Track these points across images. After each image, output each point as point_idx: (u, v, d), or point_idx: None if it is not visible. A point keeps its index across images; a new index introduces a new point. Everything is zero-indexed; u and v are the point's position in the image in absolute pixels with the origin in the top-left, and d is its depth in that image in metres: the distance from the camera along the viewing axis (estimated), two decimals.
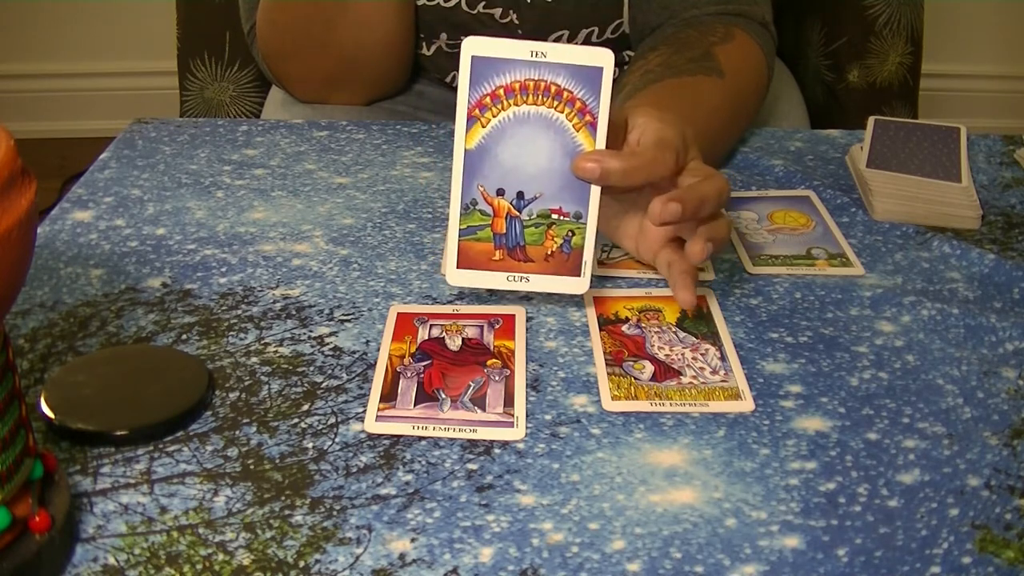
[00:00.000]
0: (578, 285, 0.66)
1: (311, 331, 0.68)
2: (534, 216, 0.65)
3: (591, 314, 0.69)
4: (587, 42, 1.00)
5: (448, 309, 0.70)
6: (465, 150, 0.64)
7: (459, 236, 0.65)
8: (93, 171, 0.89)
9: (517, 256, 0.66)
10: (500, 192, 0.65)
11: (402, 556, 0.51)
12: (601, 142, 0.64)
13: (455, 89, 1.07)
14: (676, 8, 0.93)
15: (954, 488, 0.55)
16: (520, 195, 0.65)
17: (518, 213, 0.65)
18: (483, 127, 0.64)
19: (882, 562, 0.51)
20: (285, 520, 0.53)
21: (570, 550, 0.51)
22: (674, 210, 0.62)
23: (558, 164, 0.64)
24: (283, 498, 0.54)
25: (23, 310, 0.70)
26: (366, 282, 0.73)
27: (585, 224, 0.65)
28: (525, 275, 0.66)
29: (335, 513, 0.53)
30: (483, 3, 0.97)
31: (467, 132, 0.64)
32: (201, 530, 0.52)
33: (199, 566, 0.50)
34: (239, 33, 1.09)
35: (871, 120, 0.93)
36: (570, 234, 0.65)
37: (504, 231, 0.65)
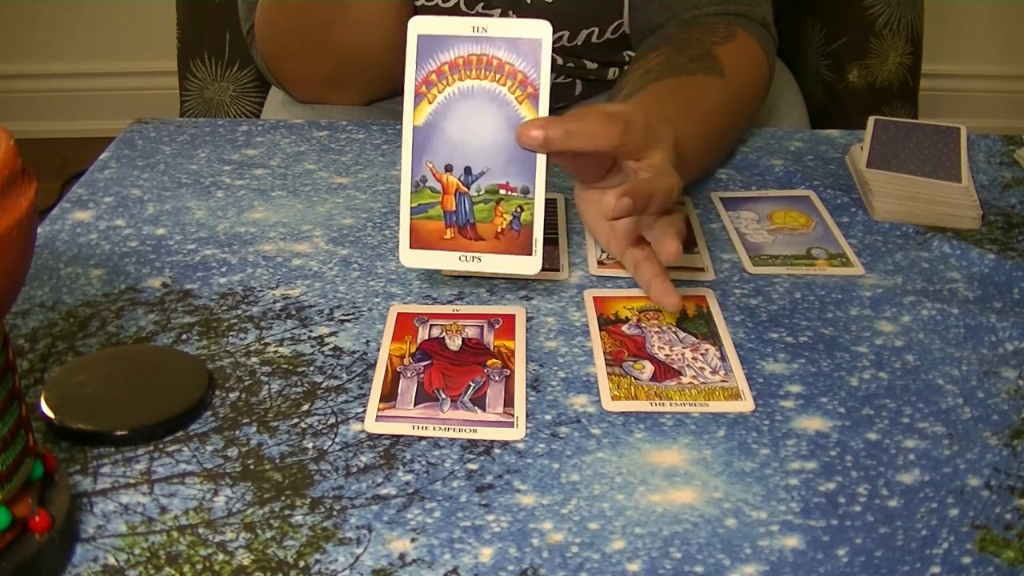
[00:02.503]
0: (530, 264, 0.66)
1: (311, 331, 0.68)
2: (482, 192, 0.65)
3: (591, 314, 0.69)
4: (587, 42, 1.00)
5: (448, 309, 0.70)
6: (413, 127, 0.64)
7: (410, 215, 0.65)
8: (93, 171, 0.89)
9: (468, 234, 0.65)
10: (448, 168, 0.65)
11: (402, 556, 0.51)
12: (543, 113, 0.64)
13: None
14: (676, 8, 0.93)
15: (954, 488, 0.55)
16: (468, 170, 0.65)
17: (467, 189, 0.65)
18: (430, 103, 0.64)
19: (882, 562, 0.51)
20: (285, 520, 0.53)
21: (570, 550, 0.51)
22: (626, 204, 0.63)
23: (503, 138, 0.64)
24: (283, 498, 0.54)
25: (23, 310, 0.70)
26: (366, 282, 0.73)
27: (533, 199, 0.65)
28: (477, 254, 0.65)
29: (335, 513, 0.53)
30: (481, 3, 0.97)
31: (415, 109, 0.64)
32: (201, 530, 0.52)
33: (199, 566, 0.50)
34: (239, 33, 1.09)
35: (871, 120, 0.93)
36: (519, 210, 0.65)
37: (454, 208, 0.65)
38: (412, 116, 0.64)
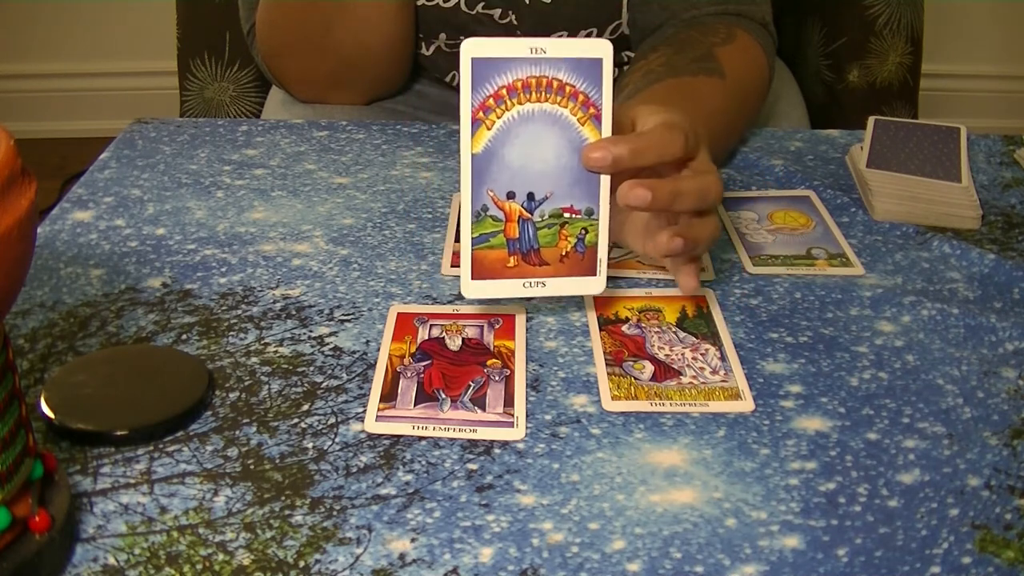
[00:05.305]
0: (595, 285, 0.66)
1: (311, 331, 0.68)
2: (546, 217, 0.64)
3: (591, 314, 0.69)
4: None
5: (448, 309, 0.70)
6: (472, 155, 0.63)
7: (472, 245, 0.64)
8: (93, 171, 0.89)
9: (532, 260, 0.65)
10: (510, 195, 0.63)
11: (402, 556, 0.51)
12: (607, 134, 0.63)
13: (455, 88, 1.08)
14: (676, 9, 0.93)
15: (954, 488, 0.55)
16: (530, 196, 0.64)
17: (530, 215, 0.64)
18: (488, 129, 0.62)
19: (882, 562, 0.51)
20: (285, 520, 0.53)
21: (570, 550, 0.51)
22: (642, 196, 0.62)
23: (566, 160, 0.63)
24: (283, 498, 0.54)
25: (23, 310, 0.70)
26: (366, 282, 0.73)
27: (598, 220, 0.64)
28: (541, 279, 0.65)
29: (335, 513, 0.53)
30: (482, 3, 0.97)
31: (472, 136, 0.62)
32: (201, 530, 0.52)
33: (199, 566, 0.50)
34: (239, 33, 1.09)
35: (871, 120, 0.93)
36: (583, 232, 0.65)
37: (517, 235, 0.64)
38: (470, 144, 0.62)
